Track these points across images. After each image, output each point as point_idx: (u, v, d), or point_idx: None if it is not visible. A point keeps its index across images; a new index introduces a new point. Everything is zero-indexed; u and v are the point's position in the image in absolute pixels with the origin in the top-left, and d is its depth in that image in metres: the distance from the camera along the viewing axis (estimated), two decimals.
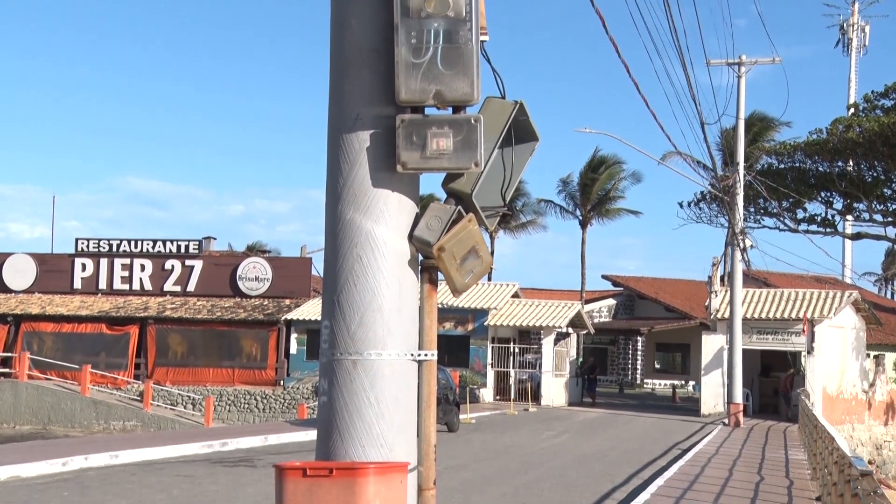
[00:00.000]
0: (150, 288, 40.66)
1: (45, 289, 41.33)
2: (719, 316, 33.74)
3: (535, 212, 56.32)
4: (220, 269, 40.52)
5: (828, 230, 43.25)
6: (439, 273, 4.29)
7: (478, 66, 4.02)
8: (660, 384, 51.56)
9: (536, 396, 35.85)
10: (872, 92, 40.72)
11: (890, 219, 41.69)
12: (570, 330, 38.81)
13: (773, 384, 35.47)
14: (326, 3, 4.33)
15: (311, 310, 37.31)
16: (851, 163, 40.63)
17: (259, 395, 36.18)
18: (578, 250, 53.03)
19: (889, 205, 41.48)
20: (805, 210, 43.11)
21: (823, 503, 13.21)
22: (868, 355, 37.19)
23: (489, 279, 42.71)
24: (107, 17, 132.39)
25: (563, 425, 27.84)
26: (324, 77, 4.31)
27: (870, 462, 30.87)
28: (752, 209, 42.89)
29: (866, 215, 42.65)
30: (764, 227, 44.30)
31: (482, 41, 4.12)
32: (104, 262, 41.04)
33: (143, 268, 40.82)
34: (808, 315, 31.77)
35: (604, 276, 56.05)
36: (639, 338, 52.09)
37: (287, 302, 39.08)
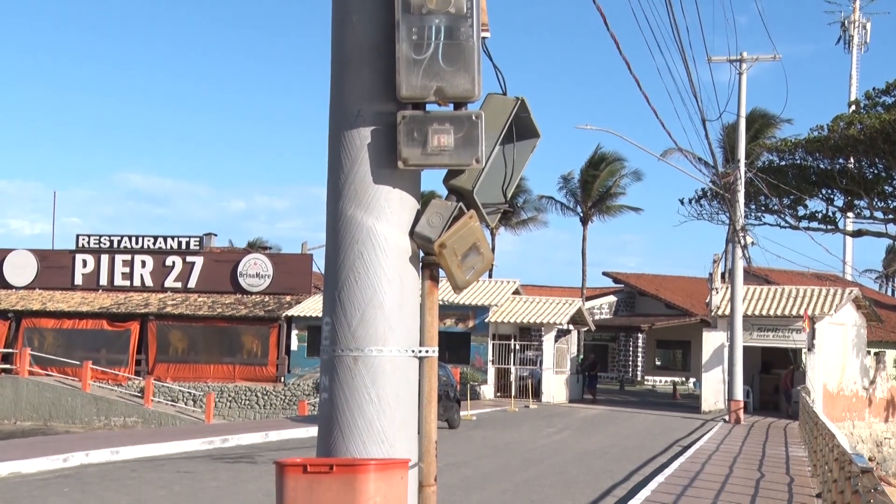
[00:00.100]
0: (151, 284, 40.68)
1: (45, 285, 41.35)
2: (720, 313, 33.75)
3: (536, 208, 56.34)
4: (220, 266, 40.53)
5: (829, 227, 43.20)
6: (440, 270, 4.29)
7: (479, 62, 4.01)
8: (660, 381, 51.57)
9: (537, 393, 35.88)
10: (874, 89, 40.68)
11: (891, 216, 41.63)
12: (571, 327, 38.83)
13: (774, 381, 35.48)
14: (327, 0, 4.32)
15: (311, 306, 37.31)
16: (852, 160, 40.58)
17: (260, 392, 36.20)
18: (579, 247, 53.08)
19: (890, 202, 41.42)
20: (806, 207, 43.08)
21: (824, 500, 13.21)
22: (869, 352, 37.19)
23: (490, 276, 42.76)
24: (107, 14, 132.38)
25: (564, 422, 27.86)
26: (325, 73, 4.31)
27: (870, 459, 30.86)
28: (753, 206, 42.85)
29: (867, 212, 42.59)
30: (765, 224, 44.28)
31: (483, 37, 4.11)
32: (105, 258, 41.05)
33: (143, 264, 40.82)
34: (809, 312, 31.78)
35: (604, 273, 56.09)
36: (639, 335, 52.09)
37: (288, 298, 39.09)
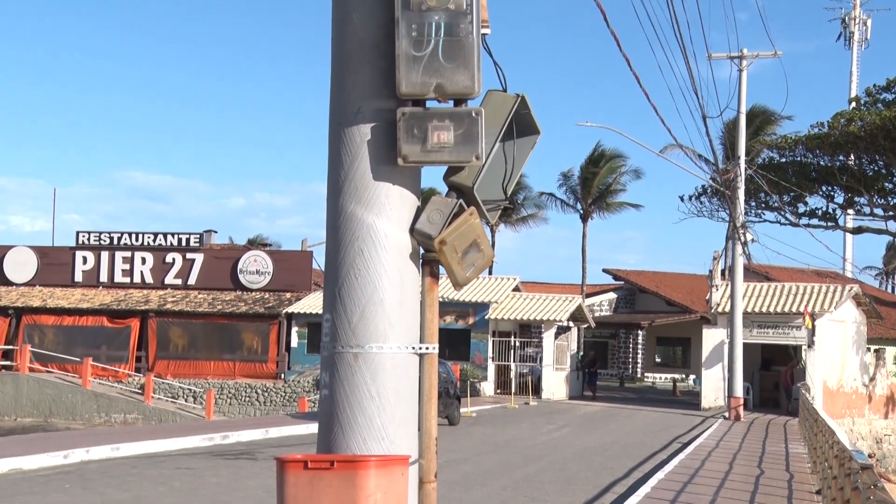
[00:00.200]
0: (151, 281, 40.69)
1: (46, 282, 41.37)
2: (720, 310, 33.76)
3: (536, 205, 56.36)
4: (220, 263, 40.53)
5: (829, 224, 43.22)
6: (441, 266, 4.29)
7: (479, 59, 4.01)
8: (660, 378, 51.57)
9: (537, 390, 35.90)
10: (874, 86, 40.69)
11: (891, 213, 41.65)
12: (571, 324, 38.83)
13: (774, 378, 35.49)
14: None
15: (311, 303, 37.32)
16: (853, 157, 40.59)
17: (260, 389, 36.23)
18: (579, 244, 53.08)
19: (890, 199, 41.44)
20: (806, 204, 43.11)
21: (824, 496, 13.22)
22: (868, 349, 37.20)
23: (490, 273, 42.73)
24: (107, 10, 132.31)
25: (564, 419, 27.87)
26: (325, 70, 4.31)
27: (870, 456, 30.85)
28: (753, 203, 42.87)
29: (867, 209, 42.62)
30: (765, 220, 44.32)
31: (483, 34, 4.11)
32: (105, 255, 41.06)
33: (143, 261, 40.84)
34: (809, 309, 31.78)
35: (604, 270, 56.05)
36: (639, 331, 52.07)
37: (288, 295, 39.09)
